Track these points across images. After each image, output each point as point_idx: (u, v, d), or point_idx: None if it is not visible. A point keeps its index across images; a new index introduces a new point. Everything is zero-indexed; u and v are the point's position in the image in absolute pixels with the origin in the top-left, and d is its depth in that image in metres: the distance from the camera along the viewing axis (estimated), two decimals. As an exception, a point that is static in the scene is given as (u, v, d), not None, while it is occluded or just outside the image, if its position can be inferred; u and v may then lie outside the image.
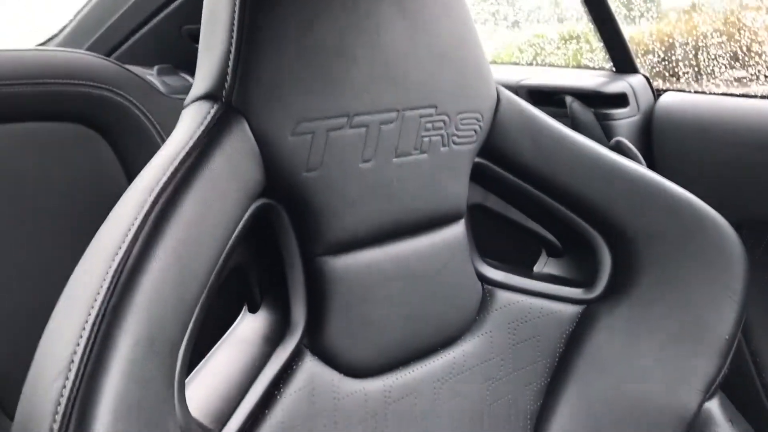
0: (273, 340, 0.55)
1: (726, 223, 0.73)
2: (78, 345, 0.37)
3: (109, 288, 0.39)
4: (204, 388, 0.51)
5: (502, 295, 0.69)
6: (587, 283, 0.74)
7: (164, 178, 0.44)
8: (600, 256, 0.74)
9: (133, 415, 0.38)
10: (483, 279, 0.68)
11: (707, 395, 0.71)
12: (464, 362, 0.65)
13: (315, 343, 0.56)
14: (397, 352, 0.60)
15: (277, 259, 0.55)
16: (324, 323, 0.56)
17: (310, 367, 0.55)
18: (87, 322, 0.38)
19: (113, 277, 0.39)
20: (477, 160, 0.67)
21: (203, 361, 0.54)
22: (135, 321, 0.39)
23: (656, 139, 0.97)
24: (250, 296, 0.56)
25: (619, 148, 0.76)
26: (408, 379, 0.61)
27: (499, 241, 0.74)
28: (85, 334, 0.37)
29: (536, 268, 0.76)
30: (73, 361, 0.37)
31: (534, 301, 0.70)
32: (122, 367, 0.38)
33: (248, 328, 0.55)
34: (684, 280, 0.71)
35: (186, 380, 0.50)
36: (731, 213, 0.76)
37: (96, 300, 0.38)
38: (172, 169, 0.45)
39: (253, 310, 0.56)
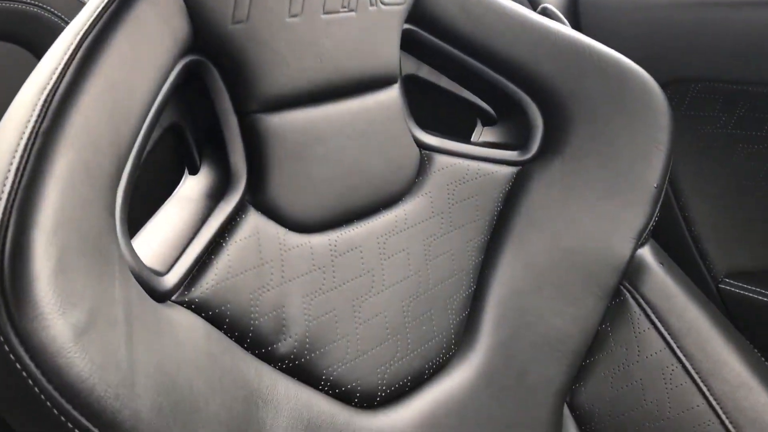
0: (215, 196, 0.57)
1: (652, 80, 0.76)
2: (12, 163, 0.38)
3: (40, 114, 0.40)
4: (149, 240, 0.53)
5: (440, 159, 0.71)
6: (522, 146, 0.77)
7: (91, 21, 0.45)
8: (532, 118, 0.77)
9: (73, 230, 0.39)
10: (420, 144, 0.71)
11: (639, 242, 0.75)
12: (406, 220, 0.68)
13: (258, 198, 0.58)
14: (339, 208, 0.63)
15: (212, 118, 0.57)
16: (264, 180, 0.58)
17: (255, 220, 0.57)
18: (19, 144, 0.39)
19: (43, 105, 0.41)
20: (407, 26, 0.69)
21: (148, 222, 0.55)
22: (68, 145, 0.41)
23: (582, 3, 1.00)
24: (189, 159, 0.58)
25: (545, 13, 0.78)
26: (352, 234, 0.64)
27: (434, 112, 0.77)
28: (18, 154, 0.39)
29: (473, 139, 0.79)
30: (7, 177, 0.38)
31: (471, 163, 0.73)
32: (59, 186, 0.40)
33: (190, 188, 0.57)
34: (613, 135, 0.75)
35: (132, 239, 0.51)
36: (658, 73, 0.79)
37: (27, 125, 0.40)
38: (97, 13, 0.46)
39: (193, 172, 0.58)
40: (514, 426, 0.71)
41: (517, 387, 0.72)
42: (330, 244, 0.62)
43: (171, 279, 0.51)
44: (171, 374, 0.44)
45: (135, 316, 0.44)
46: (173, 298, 0.51)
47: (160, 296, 0.49)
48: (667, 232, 0.80)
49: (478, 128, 0.80)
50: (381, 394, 0.63)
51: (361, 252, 0.65)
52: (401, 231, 0.68)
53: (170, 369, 0.44)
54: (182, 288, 0.51)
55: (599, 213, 0.75)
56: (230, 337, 0.54)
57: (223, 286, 0.53)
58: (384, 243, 0.66)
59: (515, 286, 0.74)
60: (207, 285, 0.53)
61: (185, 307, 0.51)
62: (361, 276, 0.64)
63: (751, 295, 0.85)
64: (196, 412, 0.45)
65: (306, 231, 0.61)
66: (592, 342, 0.75)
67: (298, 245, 0.60)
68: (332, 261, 0.62)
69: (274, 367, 0.57)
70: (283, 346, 0.57)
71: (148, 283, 0.48)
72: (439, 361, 0.68)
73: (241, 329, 0.55)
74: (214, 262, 0.54)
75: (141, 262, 0.49)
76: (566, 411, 0.75)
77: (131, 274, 0.47)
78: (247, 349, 0.55)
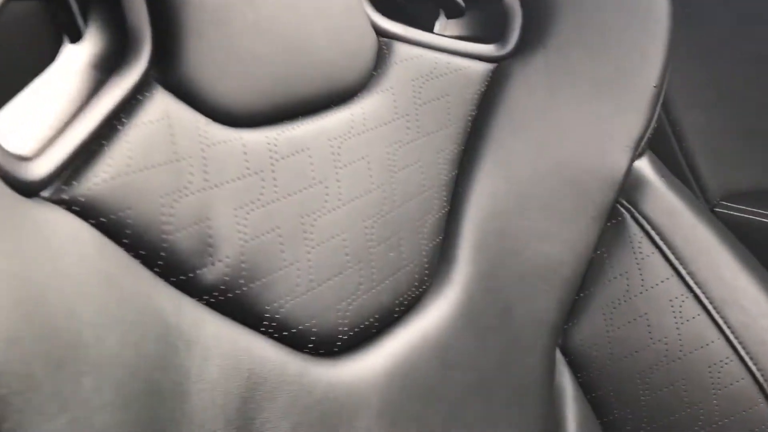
0: (107, 68, 0.41)
1: None
2: None
3: None
4: (10, 119, 0.37)
5: (402, 48, 0.57)
6: (496, 38, 0.64)
7: None
8: (507, 6, 0.64)
9: None
10: (379, 30, 0.57)
11: (636, 153, 0.64)
12: (364, 121, 0.54)
13: (167, 74, 0.43)
14: (278, 97, 0.48)
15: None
16: (176, 50, 0.43)
17: (164, 101, 0.42)
18: None
19: None
20: None
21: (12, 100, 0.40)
22: None
23: None
24: (68, 20, 0.42)
25: None
26: (297, 133, 0.49)
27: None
28: None
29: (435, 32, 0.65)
30: None
31: (439, 56, 0.59)
32: None
33: (70, 59, 0.41)
34: (604, 24, 0.62)
35: None
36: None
37: None
38: None
39: (75, 38, 0.42)
40: (501, 374, 0.58)
41: (501, 327, 0.59)
42: (268, 143, 0.48)
43: (42, 166, 0.35)
44: (38, 296, 0.29)
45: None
46: (45, 193, 0.35)
47: (24, 188, 0.34)
48: (656, 148, 0.69)
49: (441, 21, 0.67)
50: (342, 337, 0.49)
51: (310, 156, 0.50)
52: (359, 134, 0.54)
53: (37, 288, 0.29)
54: (59, 181, 0.36)
55: (590, 117, 0.62)
56: (134, 257, 0.39)
57: (121, 182, 0.38)
58: (338, 147, 0.52)
59: (496, 206, 0.61)
60: (97, 179, 0.37)
61: (64, 207, 0.36)
62: (311, 187, 0.50)
63: (751, 217, 0.75)
64: (79, 349, 0.30)
65: (235, 124, 0.46)
66: (586, 271, 0.63)
67: (224, 140, 0.45)
68: (272, 165, 0.47)
69: (199, 300, 0.42)
70: (210, 273, 0.43)
71: (5, 170, 0.33)
72: (411, 295, 0.55)
73: (150, 246, 0.39)
74: (107, 150, 0.38)
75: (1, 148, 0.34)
76: (558, 355, 0.64)
77: None
78: (159, 274, 0.40)
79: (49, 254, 0.31)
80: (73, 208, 0.36)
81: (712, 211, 0.77)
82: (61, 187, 0.36)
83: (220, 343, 0.40)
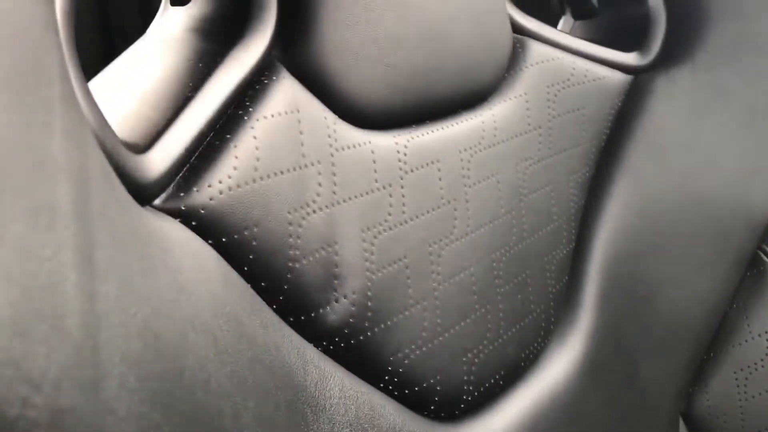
0: (217, 39, 0.32)
1: None
2: None
3: None
4: (110, 93, 0.28)
5: (538, 48, 0.48)
6: (633, 45, 0.55)
7: None
8: (652, 9, 0.55)
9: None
10: (515, 26, 0.48)
11: (786, 193, 0.55)
12: (495, 132, 0.44)
13: (293, 54, 0.33)
14: (413, 94, 0.39)
15: None
16: (306, 20, 0.34)
17: (292, 89, 0.33)
18: None
19: None
20: None
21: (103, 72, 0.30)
22: None
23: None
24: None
25: None
26: (425, 141, 0.40)
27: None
28: None
29: (562, 35, 0.56)
30: None
31: (577, 61, 0.50)
32: None
33: (172, 24, 0.32)
34: (764, 38, 0.54)
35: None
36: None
37: None
38: None
39: (179, 0, 0.33)
40: (625, 443, 0.49)
41: (627, 386, 0.50)
42: (398, 151, 0.38)
43: (156, 164, 0.26)
44: (157, 327, 0.20)
45: (100, 227, 0.20)
46: (160, 201, 0.26)
47: (141, 193, 0.25)
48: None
49: (567, 21, 0.58)
50: (467, 398, 0.40)
51: (440, 170, 0.41)
52: (490, 146, 0.44)
53: (158, 320, 0.20)
54: (175, 184, 0.27)
55: (740, 149, 0.53)
56: (252, 287, 0.29)
57: (249, 190, 0.29)
58: (468, 161, 0.43)
59: (628, 244, 0.51)
60: (222, 186, 0.28)
61: (180, 220, 0.26)
62: (439, 207, 0.40)
63: None
64: (190, 390, 0.21)
65: (364, 124, 0.37)
66: (720, 327, 0.54)
67: (354, 144, 0.36)
68: (401, 178, 0.38)
69: (317, 347, 0.33)
70: (334, 312, 0.33)
71: (124, 171, 0.24)
72: (537, 347, 0.45)
73: (274, 276, 0.30)
74: (232, 145, 0.29)
75: (112, 132, 0.24)
76: (681, 425, 0.54)
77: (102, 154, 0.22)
78: (276, 311, 0.31)
79: (170, 279, 0.21)
80: (192, 222, 0.26)
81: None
82: (177, 192, 0.26)
83: (346, 409, 0.31)
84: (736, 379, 0.54)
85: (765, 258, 0.55)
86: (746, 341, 0.54)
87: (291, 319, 0.31)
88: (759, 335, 0.54)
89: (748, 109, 0.54)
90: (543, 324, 0.46)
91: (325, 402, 0.30)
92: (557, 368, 0.46)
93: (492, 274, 0.43)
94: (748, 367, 0.54)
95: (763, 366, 0.54)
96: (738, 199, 0.53)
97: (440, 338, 0.38)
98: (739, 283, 0.54)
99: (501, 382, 0.42)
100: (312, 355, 0.30)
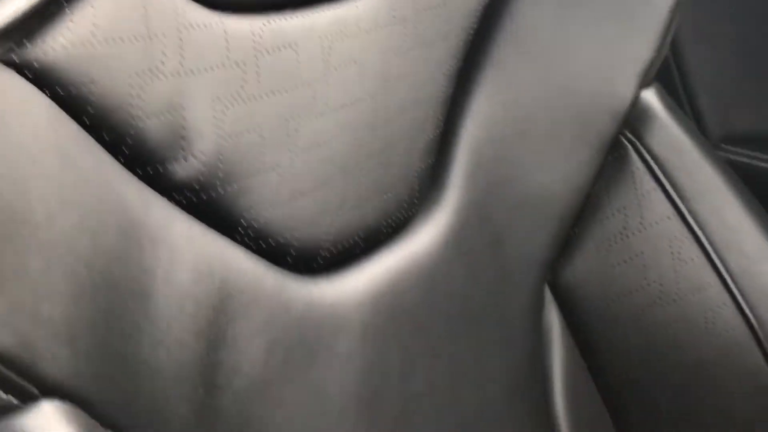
0: None
1: None
2: None
3: None
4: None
5: (402, -55, 0.53)
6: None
7: None
8: None
9: None
10: None
11: (644, 82, 0.60)
12: (357, 23, 0.49)
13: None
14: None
15: None
16: None
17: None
18: None
19: None
20: None
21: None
22: None
23: None
24: None
25: None
26: (284, 26, 0.44)
27: None
28: None
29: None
30: None
31: (441, -44, 0.54)
32: None
33: None
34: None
35: None
36: None
37: None
38: None
39: None
40: (489, 308, 0.55)
41: (492, 259, 0.56)
42: (253, 33, 0.43)
43: None
44: None
45: None
46: None
47: None
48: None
49: None
50: (324, 254, 0.45)
51: (298, 54, 0.45)
52: (352, 36, 0.49)
53: None
54: (10, 40, 0.31)
55: (599, 39, 0.58)
56: (96, 140, 0.34)
57: (84, 52, 0.33)
58: (329, 48, 0.47)
59: (493, 130, 0.56)
60: (55, 45, 0.32)
61: (13, 68, 0.31)
62: (297, 88, 0.45)
63: (751, 161, 0.72)
64: (26, 225, 0.25)
65: (216, 6, 0.41)
66: (583, 206, 0.60)
67: (204, 24, 0.40)
68: (256, 58, 0.42)
69: (169, 199, 0.38)
70: (183, 169, 0.38)
71: None
72: (399, 218, 0.51)
73: (115, 130, 0.34)
74: (68, 11, 0.33)
75: None
76: (548, 293, 0.60)
77: None
78: (124, 165, 0.36)
79: (-3, 120, 0.26)
80: (26, 72, 0.31)
81: (712, 155, 0.74)
82: (12, 46, 0.31)
83: (191, 246, 0.36)
84: (597, 251, 0.60)
85: (624, 142, 0.61)
86: (607, 218, 0.60)
87: (138, 173, 0.35)
88: (618, 211, 0.60)
89: (604, 8, 0.58)
90: (406, 198, 0.51)
91: (168, 236, 0.34)
92: (420, 239, 0.51)
93: (355, 151, 0.48)
94: (608, 240, 0.60)
95: (621, 240, 0.60)
96: (599, 87, 0.58)
97: (296, 201, 0.43)
98: (601, 166, 0.60)
99: (361, 245, 0.47)
100: (156, 200, 0.35)
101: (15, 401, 0.26)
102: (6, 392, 0.26)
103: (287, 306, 0.42)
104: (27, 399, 0.26)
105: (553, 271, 0.60)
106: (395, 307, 0.48)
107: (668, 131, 0.61)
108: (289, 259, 0.43)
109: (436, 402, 0.48)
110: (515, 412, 0.54)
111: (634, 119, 0.60)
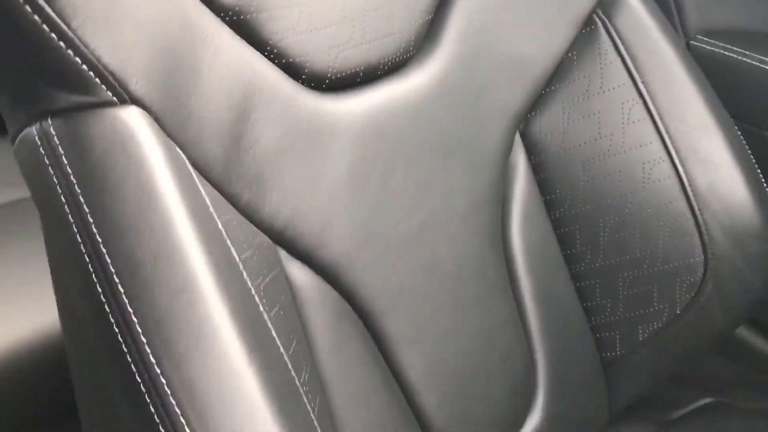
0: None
1: None
2: None
3: None
4: None
5: None
6: None
7: None
8: None
9: None
10: None
11: None
12: None
13: None
14: None
15: None
16: None
17: None
18: None
19: None
20: None
21: None
22: None
23: None
24: None
25: None
26: None
27: None
28: None
29: None
30: None
31: None
32: None
33: None
34: None
35: None
36: None
37: None
38: None
39: None
40: (465, 143, 0.69)
41: (471, 106, 0.69)
42: None
43: None
44: None
45: None
46: None
47: None
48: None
49: None
50: (331, 77, 0.59)
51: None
52: None
53: None
54: None
55: None
56: None
57: None
58: None
59: (484, 10, 0.69)
60: None
61: None
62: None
63: (725, 53, 0.82)
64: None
65: None
66: (555, 70, 0.72)
67: None
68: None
69: (216, 15, 0.52)
70: (223, -6, 0.52)
71: None
72: (396, 59, 0.64)
73: None
74: None
75: None
76: (518, 138, 0.74)
77: None
78: None
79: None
80: None
81: (688, 44, 0.84)
82: None
83: (230, 48, 0.50)
84: (563, 107, 0.73)
85: (597, 20, 0.73)
86: (573, 81, 0.73)
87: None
88: (583, 76, 0.73)
89: None
90: (404, 45, 0.64)
91: (214, 38, 0.49)
92: (413, 80, 0.65)
93: (364, 1, 0.61)
94: (572, 99, 0.73)
95: (583, 99, 0.73)
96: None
97: (312, 34, 0.57)
98: (574, 38, 0.72)
99: (362, 76, 0.61)
100: (210, 14, 0.49)
101: (115, 99, 0.42)
102: (108, 90, 0.42)
103: (298, 108, 0.56)
104: (122, 102, 0.43)
105: (526, 122, 0.73)
106: (383, 127, 0.62)
107: (636, 15, 0.72)
108: (303, 75, 0.57)
109: (407, 202, 0.63)
110: (473, 224, 0.68)
111: (607, 2, 0.71)
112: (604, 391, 0.75)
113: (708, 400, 0.81)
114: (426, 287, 0.63)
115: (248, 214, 0.51)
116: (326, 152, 0.58)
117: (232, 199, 0.50)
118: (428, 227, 0.64)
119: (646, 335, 0.73)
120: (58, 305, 0.50)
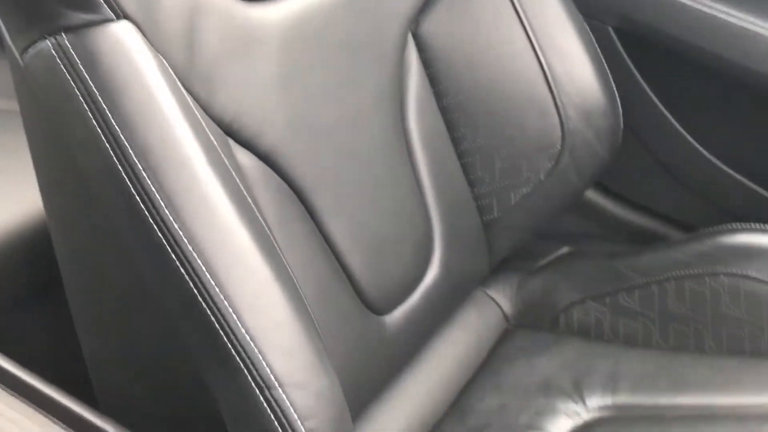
0: None
1: None
2: None
3: None
4: None
5: None
6: None
7: None
8: None
9: None
10: None
11: None
12: None
13: None
14: None
15: None
16: None
17: None
18: None
19: None
20: None
21: None
22: None
23: None
24: None
25: None
26: None
27: None
28: None
29: None
30: None
31: None
32: None
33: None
34: None
35: None
36: None
37: None
38: None
39: None
40: (369, 43, 0.79)
41: (373, 9, 0.79)
42: None
43: None
44: None
45: None
46: None
47: None
48: None
49: None
50: None
51: None
52: None
53: None
54: None
55: None
56: None
57: None
58: None
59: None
60: None
61: None
62: None
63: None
64: None
65: None
66: None
67: None
68: None
69: None
70: None
71: None
72: None
73: None
74: None
75: None
76: (410, 38, 0.85)
77: None
78: None
79: None
80: None
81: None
82: None
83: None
84: (448, 10, 0.85)
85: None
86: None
87: None
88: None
89: None
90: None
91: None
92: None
93: None
94: (454, 2, 0.85)
95: (465, 3, 0.85)
96: None
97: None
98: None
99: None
100: None
101: (113, 15, 0.50)
102: (108, 7, 0.50)
103: (232, 18, 0.65)
104: (118, 17, 0.52)
105: (416, 22, 0.85)
106: (302, 31, 0.72)
107: None
108: None
109: (327, 97, 0.74)
110: (380, 115, 0.80)
111: None
112: (485, 247, 0.91)
113: (565, 249, 1.00)
114: (347, 168, 0.74)
115: (206, 109, 0.61)
116: (258, 55, 0.67)
117: (196, 98, 0.59)
118: (345, 118, 0.75)
119: (517, 199, 0.89)
120: (44, 188, 0.59)
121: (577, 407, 0.84)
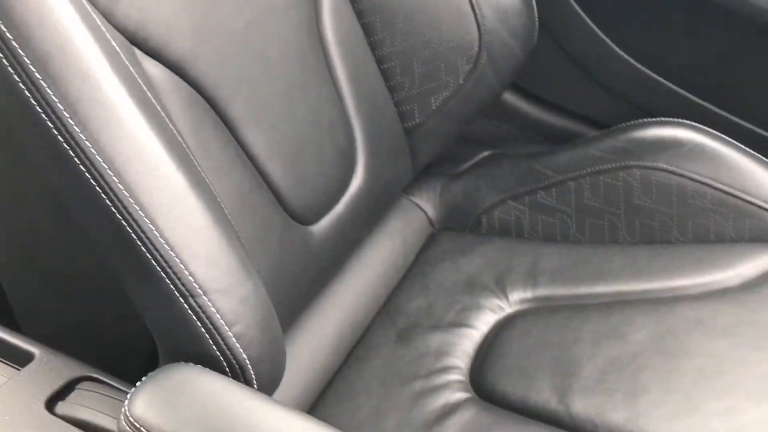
0: None
1: None
2: None
3: None
4: None
5: None
6: None
7: None
8: None
9: None
10: None
11: None
12: None
13: None
14: None
15: None
16: None
17: None
18: None
19: None
20: None
21: None
22: None
23: None
24: None
25: None
26: None
27: None
28: None
29: None
30: None
31: None
32: None
33: None
34: None
35: None
36: None
37: None
38: None
39: None
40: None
41: None
42: None
43: None
44: None
45: None
46: None
47: None
48: None
49: None
50: None
51: None
52: None
53: None
54: None
55: None
56: None
57: None
58: None
59: None
60: None
61: None
62: None
63: None
64: None
65: None
66: None
67: None
68: None
69: None
70: None
71: None
72: None
73: None
74: None
75: None
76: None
77: None
78: None
79: None
80: None
81: None
82: None
83: None
84: None
85: None
86: None
87: None
88: None
89: None
90: None
91: None
92: None
93: None
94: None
95: None
96: None
97: None
98: None
99: None
100: None
101: None
102: None
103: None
104: None
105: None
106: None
107: None
108: None
109: (235, 1, 0.72)
110: (292, 19, 0.77)
111: None
112: (407, 154, 0.92)
113: (486, 152, 1.01)
114: (260, 76, 0.73)
115: (107, 17, 0.58)
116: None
117: (95, 5, 0.56)
118: (255, 23, 0.73)
119: (437, 104, 0.89)
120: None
121: (500, 302, 0.87)
